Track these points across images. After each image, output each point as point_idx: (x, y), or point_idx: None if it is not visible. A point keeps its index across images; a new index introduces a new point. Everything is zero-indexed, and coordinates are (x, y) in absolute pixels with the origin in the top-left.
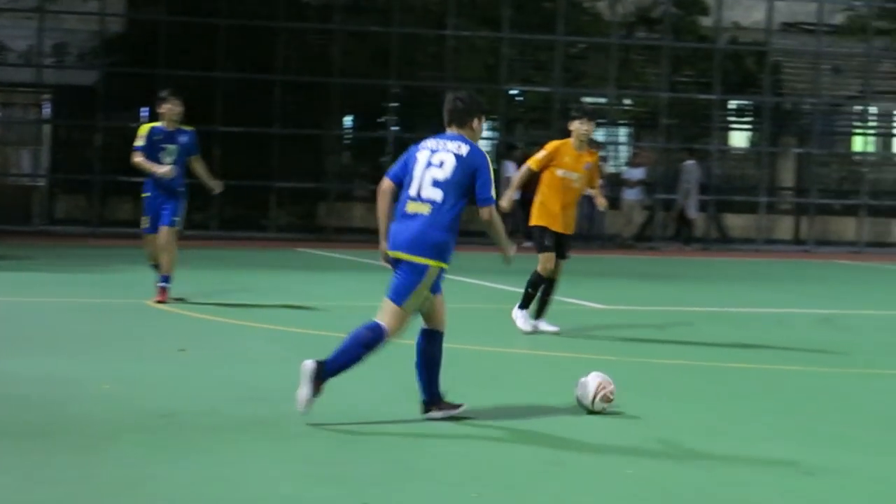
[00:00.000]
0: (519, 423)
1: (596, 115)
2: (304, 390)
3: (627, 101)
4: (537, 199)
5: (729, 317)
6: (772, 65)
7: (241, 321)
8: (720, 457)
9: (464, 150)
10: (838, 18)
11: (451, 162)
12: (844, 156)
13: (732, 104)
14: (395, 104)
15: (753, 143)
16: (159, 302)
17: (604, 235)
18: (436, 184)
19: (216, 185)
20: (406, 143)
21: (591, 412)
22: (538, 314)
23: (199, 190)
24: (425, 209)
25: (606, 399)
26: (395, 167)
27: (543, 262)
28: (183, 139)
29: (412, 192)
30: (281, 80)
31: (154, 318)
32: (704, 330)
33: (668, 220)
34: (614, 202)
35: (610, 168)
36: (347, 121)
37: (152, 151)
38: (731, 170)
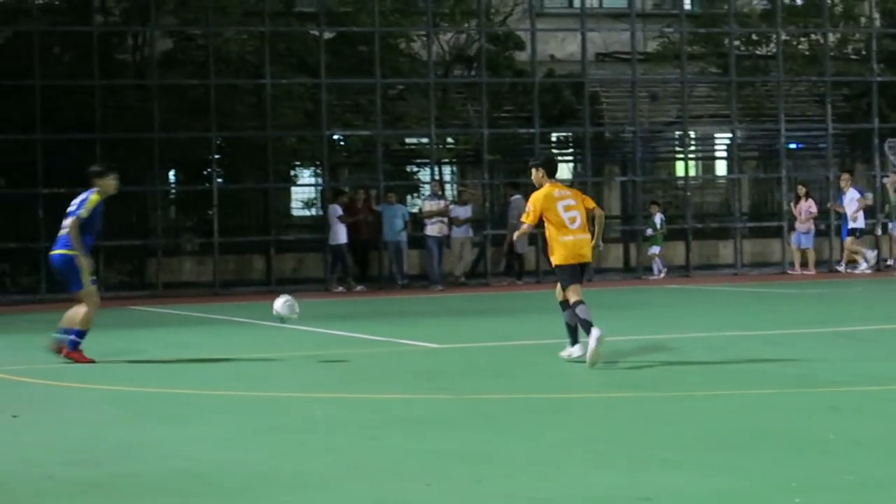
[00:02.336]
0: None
1: (543, 163)
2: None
3: (449, 140)
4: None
5: (562, 348)
6: (589, 95)
7: (73, 383)
8: (555, 489)
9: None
10: (651, 46)
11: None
12: (668, 181)
13: (553, 136)
14: (218, 156)
15: (577, 173)
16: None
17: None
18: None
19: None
20: (232, 194)
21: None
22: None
23: (27, 253)
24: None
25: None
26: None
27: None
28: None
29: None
30: (101, 139)
31: None
32: (537, 361)
33: (499, 255)
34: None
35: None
36: (171, 175)
37: (92, 223)
38: None
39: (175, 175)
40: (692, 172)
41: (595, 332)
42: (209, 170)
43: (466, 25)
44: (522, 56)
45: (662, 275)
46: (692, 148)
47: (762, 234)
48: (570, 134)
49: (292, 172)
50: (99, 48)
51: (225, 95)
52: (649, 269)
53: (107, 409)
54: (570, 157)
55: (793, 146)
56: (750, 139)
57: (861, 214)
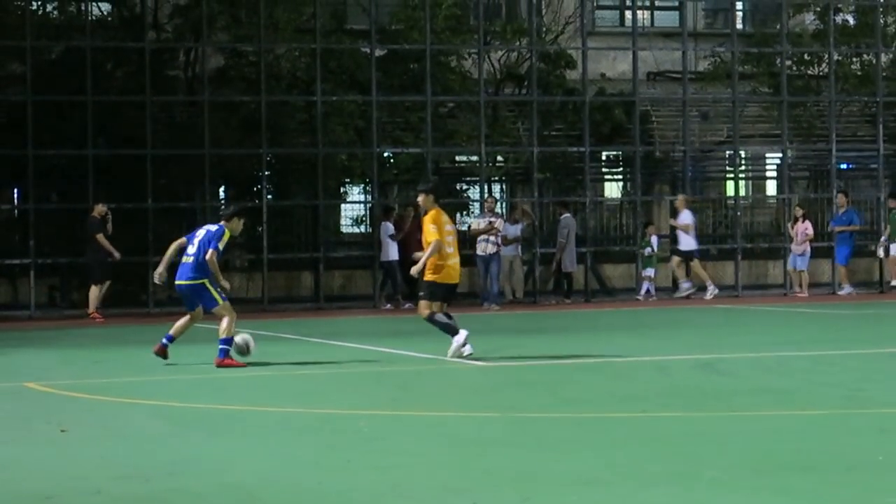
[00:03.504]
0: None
1: (432, 188)
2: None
3: (499, 158)
4: None
5: (610, 367)
6: (640, 114)
7: (122, 398)
8: None
9: None
10: (703, 65)
11: None
12: (717, 201)
13: (604, 155)
14: (268, 172)
15: (626, 192)
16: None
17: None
18: None
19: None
20: (282, 210)
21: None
22: None
23: (77, 269)
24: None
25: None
26: None
27: None
28: None
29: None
30: (152, 154)
31: (32, 399)
32: (586, 381)
33: (548, 274)
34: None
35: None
36: (221, 192)
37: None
38: (607, 220)
39: (225, 191)
40: (742, 192)
41: (462, 334)
42: (259, 186)
43: (518, 44)
44: (573, 74)
45: (653, 297)
46: (742, 167)
47: (813, 254)
48: (620, 153)
49: (342, 189)
50: (151, 64)
51: (276, 112)
52: (703, 288)
53: (155, 424)
54: (620, 176)
55: (844, 166)
56: (801, 159)
57: (692, 236)
